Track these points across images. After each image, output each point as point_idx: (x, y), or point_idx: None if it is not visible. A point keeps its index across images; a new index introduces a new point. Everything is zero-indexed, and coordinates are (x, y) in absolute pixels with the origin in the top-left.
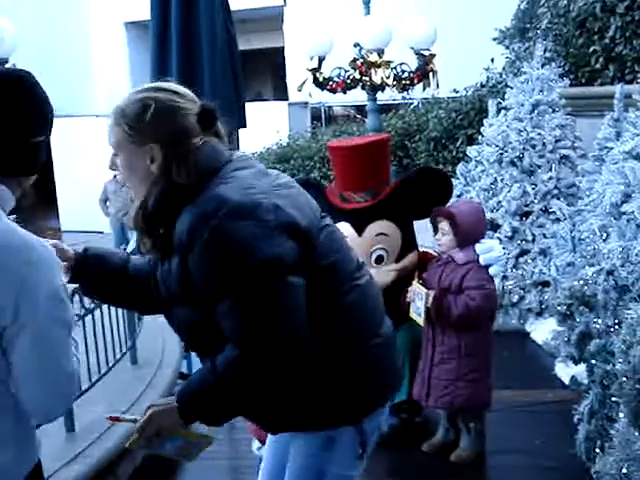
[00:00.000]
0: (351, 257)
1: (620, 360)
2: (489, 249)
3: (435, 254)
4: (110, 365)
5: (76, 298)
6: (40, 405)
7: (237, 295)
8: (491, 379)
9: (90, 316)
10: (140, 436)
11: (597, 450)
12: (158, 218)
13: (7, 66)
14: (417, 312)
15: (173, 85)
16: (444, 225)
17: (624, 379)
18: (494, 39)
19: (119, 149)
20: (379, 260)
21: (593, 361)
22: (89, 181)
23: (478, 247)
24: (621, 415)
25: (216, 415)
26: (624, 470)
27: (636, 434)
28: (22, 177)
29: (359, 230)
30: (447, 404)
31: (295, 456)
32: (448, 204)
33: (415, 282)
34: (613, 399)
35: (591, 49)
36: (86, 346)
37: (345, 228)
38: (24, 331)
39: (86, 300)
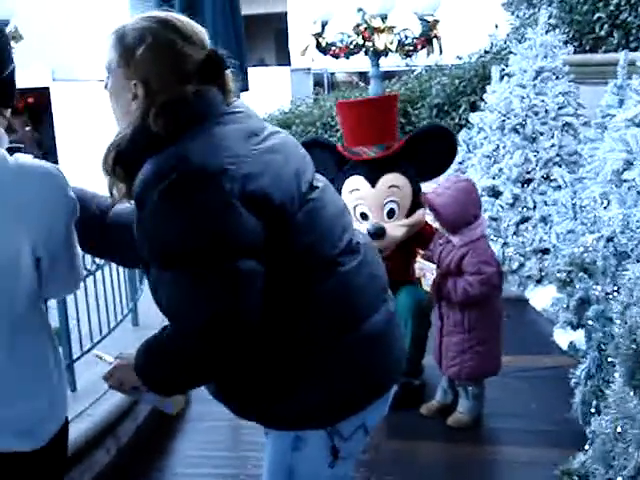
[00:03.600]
0: (336, 238)
1: (617, 322)
2: None
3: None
4: (112, 326)
5: None
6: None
7: (174, 271)
8: (499, 347)
9: (92, 277)
10: (109, 386)
11: (592, 411)
12: (126, 163)
13: (8, 29)
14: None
15: (183, 23)
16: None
17: (620, 339)
18: (503, 5)
19: (110, 72)
20: (391, 214)
21: (591, 323)
22: (91, 145)
23: None
24: (617, 375)
25: (160, 387)
26: (619, 429)
27: (631, 393)
28: (2, 108)
29: (372, 182)
30: (455, 374)
31: (269, 449)
32: (435, 187)
33: (419, 258)
34: (609, 360)
35: (596, 16)
36: (88, 307)
37: (358, 181)
38: (58, 263)
39: (88, 261)
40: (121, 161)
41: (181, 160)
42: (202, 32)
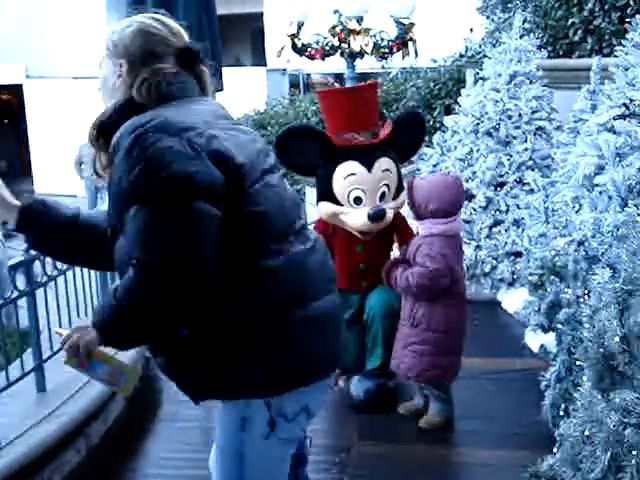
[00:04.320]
0: (289, 219)
1: (587, 325)
2: None
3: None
4: None
5: (48, 259)
6: None
7: (141, 205)
8: (452, 357)
9: (62, 277)
10: (65, 350)
11: (562, 414)
12: (109, 131)
13: None
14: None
15: (165, 17)
16: None
17: (589, 343)
18: (477, 9)
19: (101, 63)
20: (382, 197)
21: (561, 326)
22: (64, 144)
23: None
24: (585, 379)
25: (119, 337)
26: (586, 432)
27: (599, 397)
28: None
29: (368, 166)
30: (395, 367)
31: (217, 436)
32: (424, 174)
33: (395, 248)
34: (577, 363)
35: (570, 21)
36: (58, 307)
37: (354, 166)
38: None
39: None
40: (104, 129)
41: (155, 116)
42: (183, 30)
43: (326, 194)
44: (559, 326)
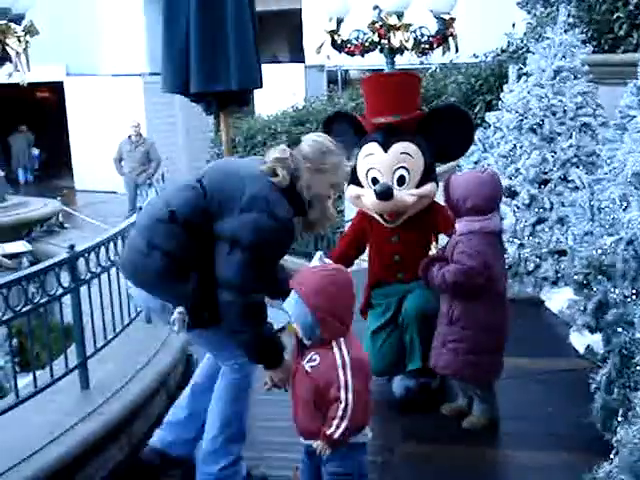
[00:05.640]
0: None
1: None
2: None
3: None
4: (125, 323)
5: (92, 256)
6: None
7: None
8: (490, 355)
9: (106, 274)
10: None
11: (619, 419)
12: None
13: (23, 23)
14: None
15: None
16: None
17: None
18: (518, 3)
19: None
20: (401, 181)
21: (617, 329)
22: (104, 141)
23: None
24: None
25: None
26: None
27: None
28: None
29: (385, 147)
30: (432, 364)
31: None
32: (463, 172)
33: (433, 246)
34: (638, 368)
35: (615, 16)
36: (101, 304)
37: (373, 147)
38: None
39: (102, 258)
40: None
41: None
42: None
43: (353, 178)
44: (611, 327)
